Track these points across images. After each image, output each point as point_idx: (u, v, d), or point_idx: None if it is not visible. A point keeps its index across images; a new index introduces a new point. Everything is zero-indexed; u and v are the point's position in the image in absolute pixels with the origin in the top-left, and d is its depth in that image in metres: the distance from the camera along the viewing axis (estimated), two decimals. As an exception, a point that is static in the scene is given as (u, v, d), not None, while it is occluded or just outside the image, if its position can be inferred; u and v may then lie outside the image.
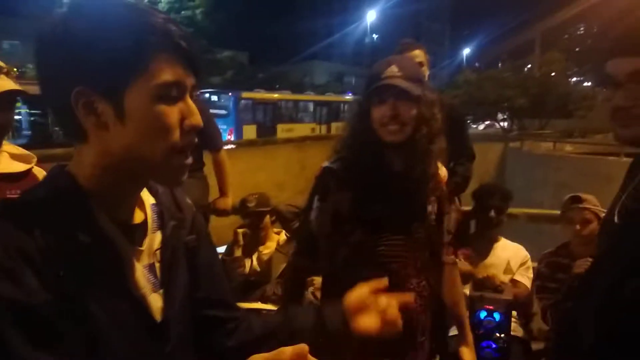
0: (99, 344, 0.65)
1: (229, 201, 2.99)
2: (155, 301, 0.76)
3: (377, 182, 1.45)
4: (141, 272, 0.74)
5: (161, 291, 0.77)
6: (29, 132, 14.88)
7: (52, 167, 0.73)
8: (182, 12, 22.52)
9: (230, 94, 18.79)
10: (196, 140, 0.72)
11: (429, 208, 1.52)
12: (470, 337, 1.69)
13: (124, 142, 0.67)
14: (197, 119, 0.70)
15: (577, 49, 31.77)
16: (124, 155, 0.68)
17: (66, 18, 0.65)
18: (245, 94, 19.25)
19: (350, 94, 29.04)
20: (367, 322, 0.88)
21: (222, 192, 2.88)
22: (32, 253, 0.61)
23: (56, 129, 16.06)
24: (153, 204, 0.81)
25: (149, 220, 0.78)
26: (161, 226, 0.80)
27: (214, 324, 0.90)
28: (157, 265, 0.77)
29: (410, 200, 1.47)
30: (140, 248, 0.76)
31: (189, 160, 0.72)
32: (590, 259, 1.83)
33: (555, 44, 30.09)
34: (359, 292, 0.91)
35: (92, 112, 0.65)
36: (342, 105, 24.47)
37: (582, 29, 34.57)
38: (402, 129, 1.39)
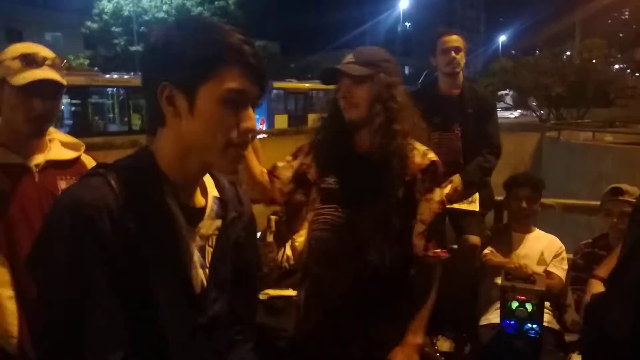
0: (146, 298, 0.79)
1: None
2: (199, 276, 0.89)
3: (337, 157, 1.61)
4: (192, 249, 0.87)
5: (207, 270, 0.90)
6: (70, 122, 15.39)
7: (139, 146, 0.91)
8: (216, 2, 22.77)
9: (260, 100, 18.94)
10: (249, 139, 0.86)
11: (387, 189, 1.55)
12: (412, 341, 1.58)
13: (191, 131, 0.82)
14: (252, 124, 0.85)
15: (620, 35, 30.40)
16: (190, 141, 0.83)
17: (168, 30, 0.83)
18: (277, 84, 19.38)
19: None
20: None
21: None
22: (112, 205, 0.77)
23: (95, 118, 16.63)
24: (215, 197, 0.95)
25: (208, 208, 0.92)
26: (222, 216, 0.94)
27: (232, 320, 1.01)
28: (208, 248, 0.91)
29: (366, 177, 1.56)
30: (195, 230, 0.89)
31: (244, 152, 0.87)
32: None
33: (596, 30, 28.88)
34: None
35: (171, 104, 0.82)
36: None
37: (626, 13, 33.01)
38: (355, 108, 1.54)
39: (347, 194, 1.58)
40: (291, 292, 2.55)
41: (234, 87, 0.80)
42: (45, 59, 1.42)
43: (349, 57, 1.57)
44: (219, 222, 0.93)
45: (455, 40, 2.67)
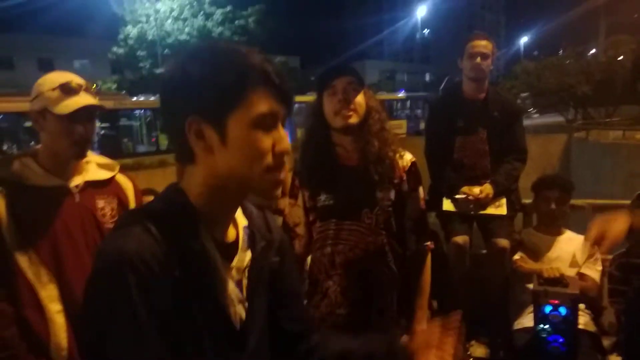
0: (190, 341, 0.78)
1: (287, 201, 3.10)
2: (239, 313, 0.87)
3: (324, 173, 1.66)
4: (231, 286, 0.86)
5: (246, 304, 0.89)
6: (100, 144, 15.88)
7: (169, 185, 0.86)
8: (236, 21, 23.22)
9: (288, 118, 19.23)
10: (285, 160, 0.83)
11: (380, 195, 1.63)
12: (418, 329, 1.59)
13: (226, 163, 0.79)
14: (286, 144, 0.82)
15: (647, 30, 29.61)
16: (226, 174, 0.79)
17: (184, 63, 0.79)
18: (298, 98, 19.57)
19: (402, 92, 28.67)
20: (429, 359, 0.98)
21: (282, 193, 2.99)
22: (157, 254, 0.74)
23: (125, 140, 17.10)
24: (245, 226, 0.92)
25: (240, 240, 0.90)
26: (251, 246, 0.91)
27: (294, 338, 1.02)
28: (244, 281, 0.89)
29: (357, 186, 1.63)
30: (232, 265, 0.87)
31: (282, 176, 0.83)
32: None
33: (622, 26, 28.22)
34: (427, 332, 1.03)
35: (201, 138, 0.78)
36: (395, 103, 24.21)
37: (652, 7, 32.20)
38: (354, 113, 1.59)
39: (343, 206, 1.65)
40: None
41: (263, 110, 0.77)
42: (80, 85, 1.51)
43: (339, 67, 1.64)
44: (250, 253, 0.90)
45: (483, 46, 2.67)
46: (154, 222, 0.77)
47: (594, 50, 27.74)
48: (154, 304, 0.73)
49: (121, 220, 0.81)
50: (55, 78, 1.49)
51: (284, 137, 0.82)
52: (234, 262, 0.87)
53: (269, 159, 0.80)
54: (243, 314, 0.87)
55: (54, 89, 1.46)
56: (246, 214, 0.93)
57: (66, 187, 1.53)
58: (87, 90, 1.53)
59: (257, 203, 0.98)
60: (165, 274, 0.74)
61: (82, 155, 1.57)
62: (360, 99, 1.61)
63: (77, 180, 1.56)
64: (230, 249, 0.87)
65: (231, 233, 0.89)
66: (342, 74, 1.60)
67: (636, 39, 24.73)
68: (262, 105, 0.78)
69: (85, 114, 1.49)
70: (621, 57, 24.13)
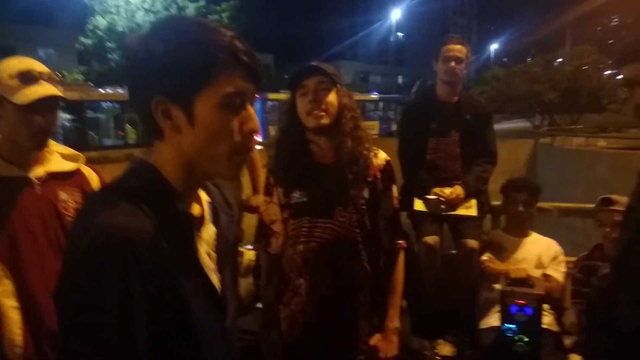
0: (185, 310, 0.77)
1: (261, 198, 3.06)
2: (215, 282, 0.87)
3: (299, 171, 1.64)
4: (205, 257, 0.86)
5: (218, 275, 0.89)
6: (65, 136, 15.38)
7: (135, 161, 0.83)
8: (209, 16, 22.90)
9: (257, 95, 19.04)
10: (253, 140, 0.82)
11: (353, 193, 1.63)
12: (391, 326, 1.70)
13: (194, 143, 0.78)
14: (255, 124, 0.80)
15: (610, 41, 30.77)
16: (194, 153, 0.78)
17: (147, 39, 0.76)
18: (271, 95, 19.45)
19: (375, 93, 28.88)
20: None
21: (256, 190, 2.95)
22: (148, 227, 0.73)
23: (90, 132, 16.62)
24: (209, 201, 0.92)
25: (206, 214, 0.89)
26: (214, 221, 0.91)
27: None
28: (212, 254, 0.89)
29: (331, 184, 1.63)
30: (200, 237, 0.86)
31: (247, 157, 0.83)
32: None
33: (586, 37, 29.23)
34: None
35: (168, 117, 0.76)
36: (367, 104, 24.37)
37: (615, 20, 33.47)
38: (325, 113, 1.57)
39: (316, 204, 1.64)
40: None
41: (231, 90, 0.76)
42: (41, 73, 1.43)
43: (312, 64, 1.61)
44: (212, 227, 0.90)
45: (457, 50, 2.69)
46: (137, 197, 0.75)
47: (560, 60, 28.60)
48: (149, 282, 0.71)
49: (96, 197, 0.78)
50: (15, 64, 1.40)
51: (252, 116, 0.80)
52: (203, 235, 0.87)
53: (236, 139, 0.78)
54: (218, 285, 0.88)
55: (12, 77, 1.38)
56: (206, 190, 0.93)
57: (26, 178, 1.46)
58: (49, 79, 1.44)
59: (214, 181, 0.98)
60: (157, 247, 0.73)
61: (42, 146, 1.49)
62: (332, 98, 1.59)
63: (38, 171, 1.49)
64: (197, 223, 0.87)
65: (195, 208, 0.88)
66: (313, 73, 1.58)
67: (599, 50, 25.66)
68: (230, 85, 0.76)
69: (46, 104, 1.42)
70: (585, 67, 24.98)
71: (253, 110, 0.81)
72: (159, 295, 0.73)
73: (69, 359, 0.71)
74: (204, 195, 0.91)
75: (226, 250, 0.92)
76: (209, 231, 0.89)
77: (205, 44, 0.74)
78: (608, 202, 2.37)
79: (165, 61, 0.73)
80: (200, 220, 0.87)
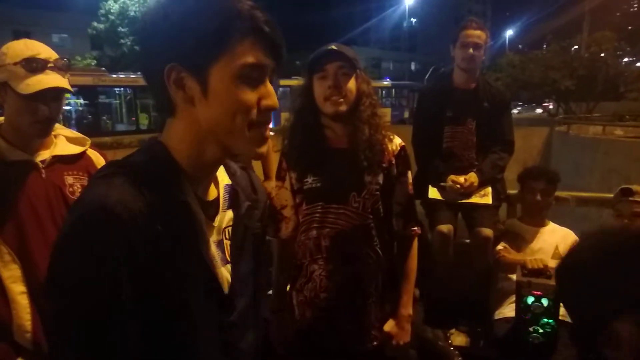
0: (176, 300, 0.73)
1: (272, 184, 3.04)
2: (225, 276, 0.82)
3: (313, 156, 1.61)
4: (213, 247, 0.80)
5: (228, 266, 0.83)
6: (78, 121, 15.48)
7: (149, 138, 0.80)
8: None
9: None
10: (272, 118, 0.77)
11: (368, 178, 1.60)
12: (404, 313, 1.67)
13: (207, 117, 0.73)
14: (273, 100, 0.76)
15: (629, 27, 30.06)
16: (207, 128, 0.74)
17: (164, 4, 0.72)
18: (283, 82, 19.41)
19: (387, 79, 28.66)
20: None
21: (267, 176, 2.93)
22: (141, 205, 0.69)
23: (103, 117, 16.72)
24: (227, 185, 0.87)
25: (221, 199, 0.84)
26: (233, 205, 0.86)
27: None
28: (225, 242, 0.83)
29: (345, 170, 1.60)
30: (213, 224, 0.81)
31: (268, 132, 0.77)
32: None
33: (604, 23, 28.59)
34: None
35: (181, 88, 0.72)
36: (379, 91, 24.20)
37: (635, 5, 32.66)
38: (344, 100, 1.55)
39: (330, 189, 1.61)
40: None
41: (249, 61, 0.71)
42: (47, 61, 1.38)
43: (332, 46, 1.56)
44: (230, 213, 0.85)
45: (477, 36, 2.60)
46: (136, 174, 0.71)
47: (577, 47, 28.03)
48: (137, 259, 0.67)
49: (100, 172, 0.75)
50: (20, 50, 1.35)
51: (271, 92, 0.75)
52: (216, 222, 0.82)
53: (252, 114, 0.73)
54: (229, 277, 0.83)
55: (16, 63, 1.33)
56: (229, 172, 0.88)
57: (32, 162, 1.43)
58: (56, 66, 1.39)
59: (242, 164, 0.93)
60: (149, 227, 0.68)
61: (46, 134, 1.46)
62: (351, 84, 1.56)
63: (44, 155, 1.46)
64: (211, 208, 0.82)
65: (212, 192, 0.84)
66: (334, 58, 1.54)
67: (618, 36, 25.11)
68: (249, 55, 0.71)
69: (51, 93, 1.37)
70: (603, 54, 24.47)
71: (271, 87, 0.76)
72: (146, 278, 0.69)
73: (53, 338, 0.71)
74: (223, 177, 0.87)
75: (244, 239, 0.87)
76: (222, 217, 0.83)
77: (224, 10, 0.71)
78: (628, 192, 2.31)
79: (180, 26, 0.70)
80: (214, 206, 0.83)
